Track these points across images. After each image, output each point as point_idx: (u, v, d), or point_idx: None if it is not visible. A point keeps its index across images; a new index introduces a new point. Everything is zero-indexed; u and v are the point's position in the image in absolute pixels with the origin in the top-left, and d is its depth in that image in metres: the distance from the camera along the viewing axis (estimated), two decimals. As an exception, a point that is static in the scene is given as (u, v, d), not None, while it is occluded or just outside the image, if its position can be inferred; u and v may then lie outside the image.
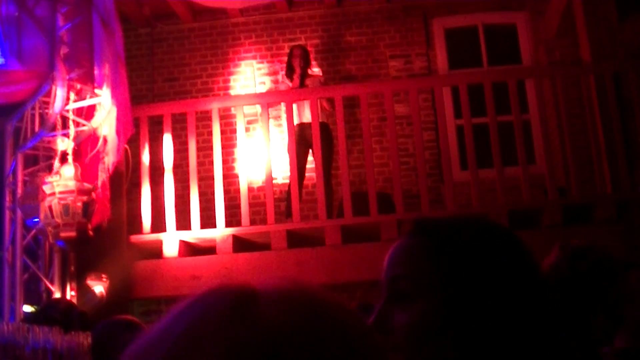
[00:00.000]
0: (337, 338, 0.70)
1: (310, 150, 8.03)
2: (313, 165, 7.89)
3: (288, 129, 7.55)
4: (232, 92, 9.73)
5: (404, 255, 1.26)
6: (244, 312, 0.69)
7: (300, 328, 0.69)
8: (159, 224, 7.29)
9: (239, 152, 7.91)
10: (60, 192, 5.93)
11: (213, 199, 7.30)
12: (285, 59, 9.02)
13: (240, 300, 0.70)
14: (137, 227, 7.34)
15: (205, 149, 8.47)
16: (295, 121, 8.05)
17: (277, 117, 9.22)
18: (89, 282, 6.55)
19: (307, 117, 8.06)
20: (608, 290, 2.53)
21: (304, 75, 8.38)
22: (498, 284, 1.19)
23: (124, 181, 7.33)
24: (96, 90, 6.28)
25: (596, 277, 2.59)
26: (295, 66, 8.40)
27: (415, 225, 1.29)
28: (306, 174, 8.26)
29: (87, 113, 6.53)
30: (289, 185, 7.92)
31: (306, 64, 8.47)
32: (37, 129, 6.42)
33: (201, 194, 7.44)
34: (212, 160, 7.44)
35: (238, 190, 7.53)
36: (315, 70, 9.25)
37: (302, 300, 0.72)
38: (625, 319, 2.69)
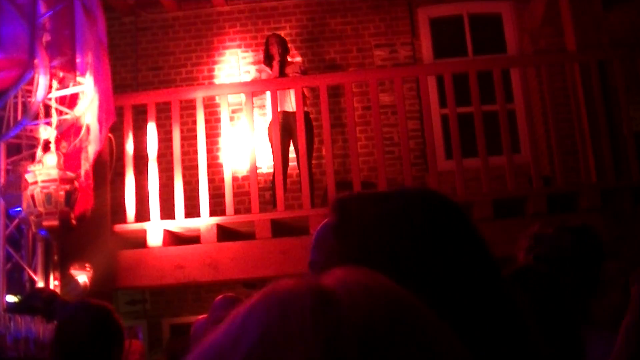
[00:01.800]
0: (424, 330, 0.67)
1: (292, 140, 8.04)
2: (294, 155, 7.90)
3: (272, 117, 7.52)
4: (217, 81, 9.71)
5: (318, 238, 1.16)
6: (327, 307, 0.65)
7: (388, 319, 0.65)
8: (143, 214, 7.27)
9: (223, 141, 7.88)
10: (43, 181, 5.89)
11: (197, 188, 7.27)
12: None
13: (319, 297, 0.66)
14: (121, 217, 7.31)
15: (189, 138, 8.44)
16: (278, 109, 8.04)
17: (262, 107, 9.19)
18: (73, 271, 6.51)
19: (289, 106, 8.06)
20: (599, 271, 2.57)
21: (284, 63, 8.36)
22: (409, 267, 1.03)
23: (108, 170, 7.29)
24: (79, 79, 6.25)
25: (598, 257, 2.63)
26: (274, 54, 8.37)
27: (333, 203, 1.16)
28: (290, 163, 8.24)
29: (70, 101, 6.49)
30: (273, 174, 7.91)
31: (285, 51, 8.45)
32: (19, 117, 6.37)
33: (185, 183, 7.42)
34: (197, 149, 7.40)
35: (222, 180, 7.50)
36: (297, 59, 9.23)
37: (381, 292, 0.69)
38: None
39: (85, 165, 6.34)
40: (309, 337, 0.63)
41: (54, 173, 5.94)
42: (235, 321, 0.68)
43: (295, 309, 0.65)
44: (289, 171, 8.29)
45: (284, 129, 7.98)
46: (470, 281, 1.06)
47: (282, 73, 8.25)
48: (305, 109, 8.04)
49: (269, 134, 8.00)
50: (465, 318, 1.01)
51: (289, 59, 8.55)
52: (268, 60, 8.49)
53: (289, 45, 8.79)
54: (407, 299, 0.70)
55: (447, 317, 0.94)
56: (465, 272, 1.06)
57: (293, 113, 7.81)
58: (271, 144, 8.01)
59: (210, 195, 7.23)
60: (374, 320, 0.65)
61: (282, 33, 9.14)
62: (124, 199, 7.28)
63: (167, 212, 7.25)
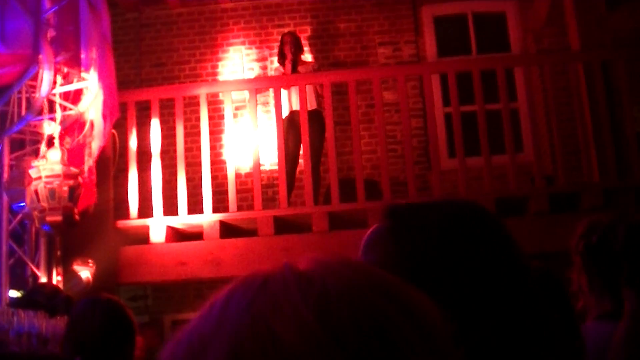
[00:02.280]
0: (410, 303, 0.69)
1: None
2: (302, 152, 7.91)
3: (276, 115, 7.53)
4: (220, 77, 9.70)
5: (373, 241, 1.23)
6: (309, 281, 0.66)
7: (371, 289, 0.67)
8: (145, 210, 7.28)
9: (226, 138, 7.90)
10: (47, 176, 5.90)
11: (200, 185, 7.28)
12: (274, 45, 9.01)
13: (299, 274, 0.67)
14: (123, 213, 7.32)
15: (192, 135, 8.44)
16: (288, 109, 8.04)
17: (265, 103, 9.20)
18: (75, 267, 6.53)
19: (297, 105, 8.06)
20: None
21: (296, 62, 8.37)
22: (463, 269, 1.13)
23: (111, 166, 7.31)
24: (83, 74, 6.25)
25: None
26: (286, 52, 8.38)
27: (386, 210, 1.25)
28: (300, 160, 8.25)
29: (74, 97, 6.50)
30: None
31: (297, 50, 8.46)
32: (23, 112, 6.38)
33: (188, 180, 7.43)
34: (200, 146, 7.41)
35: (225, 176, 7.52)
36: (308, 57, 9.24)
37: (357, 267, 0.70)
38: None
39: (89, 161, 6.35)
40: (298, 304, 0.64)
41: (58, 168, 5.95)
42: (216, 304, 0.68)
43: (278, 284, 0.66)
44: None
45: (295, 128, 7.97)
46: (509, 286, 1.15)
47: (294, 71, 8.25)
48: (317, 107, 8.06)
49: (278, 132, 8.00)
50: (504, 318, 1.12)
51: (302, 58, 8.56)
52: (281, 59, 8.51)
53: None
54: (385, 274, 0.72)
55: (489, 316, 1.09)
56: (505, 279, 1.16)
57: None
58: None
59: (213, 192, 7.25)
60: (358, 290, 0.66)
61: (285, 31, 9.14)
62: (126, 194, 7.29)
63: (170, 208, 7.26)
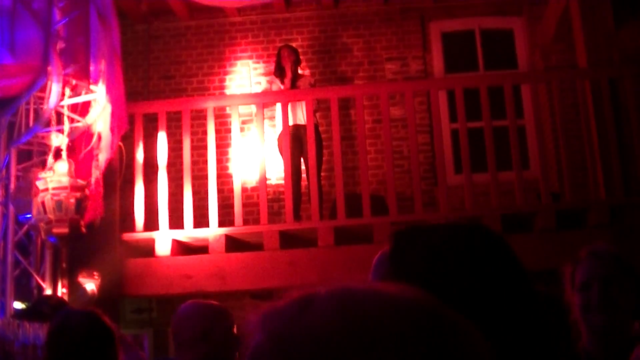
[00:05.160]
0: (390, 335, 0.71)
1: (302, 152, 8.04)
2: (304, 167, 7.92)
3: (283, 129, 7.54)
4: (228, 91, 9.72)
5: (377, 263, 1.26)
6: (303, 312, 0.72)
7: (341, 327, 0.70)
8: (151, 222, 7.28)
9: (233, 152, 7.90)
10: (54, 188, 5.92)
11: (206, 198, 7.28)
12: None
13: (302, 302, 0.73)
14: (129, 225, 7.32)
15: (199, 148, 8.45)
16: (290, 123, 8.04)
17: (272, 118, 9.20)
18: (81, 279, 6.52)
19: (299, 119, 8.05)
20: None
21: (296, 77, 8.37)
22: (463, 293, 1.11)
23: (118, 178, 7.31)
24: (91, 87, 6.27)
25: None
26: (286, 69, 8.37)
27: (392, 234, 1.26)
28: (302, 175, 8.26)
29: (82, 109, 6.52)
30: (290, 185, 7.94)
31: (296, 65, 8.46)
32: (31, 124, 6.40)
33: (195, 193, 7.43)
34: (206, 159, 7.42)
35: (231, 190, 7.52)
36: (306, 72, 9.24)
37: (351, 302, 0.74)
38: None
39: (96, 173, 6.36)
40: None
41: (65, 180, 5.97)
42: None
43: (282, 313, 0.73)
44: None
45: (296, 142, 7.97)
46: (512, 308, 1.15)
47: (293, 86, 8.26)
48: (315, 120, 8.06)
49: (279, 146, 7.99)
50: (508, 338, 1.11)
51: (300, 72, 8.55)
52: (279, 71, 8.50)
53: (301, 57, 8.80)
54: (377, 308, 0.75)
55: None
56: (508, 301, 1.15)
57: (304, 126, 7.80)
58: (282, 156, 8.01)
59: (219, 205, 7.24)
60: (329, 325, 0.70)
61: (293, 45, 9.15)
62: (132, 207, 7.29)
63: (176, 221, 7.26)
